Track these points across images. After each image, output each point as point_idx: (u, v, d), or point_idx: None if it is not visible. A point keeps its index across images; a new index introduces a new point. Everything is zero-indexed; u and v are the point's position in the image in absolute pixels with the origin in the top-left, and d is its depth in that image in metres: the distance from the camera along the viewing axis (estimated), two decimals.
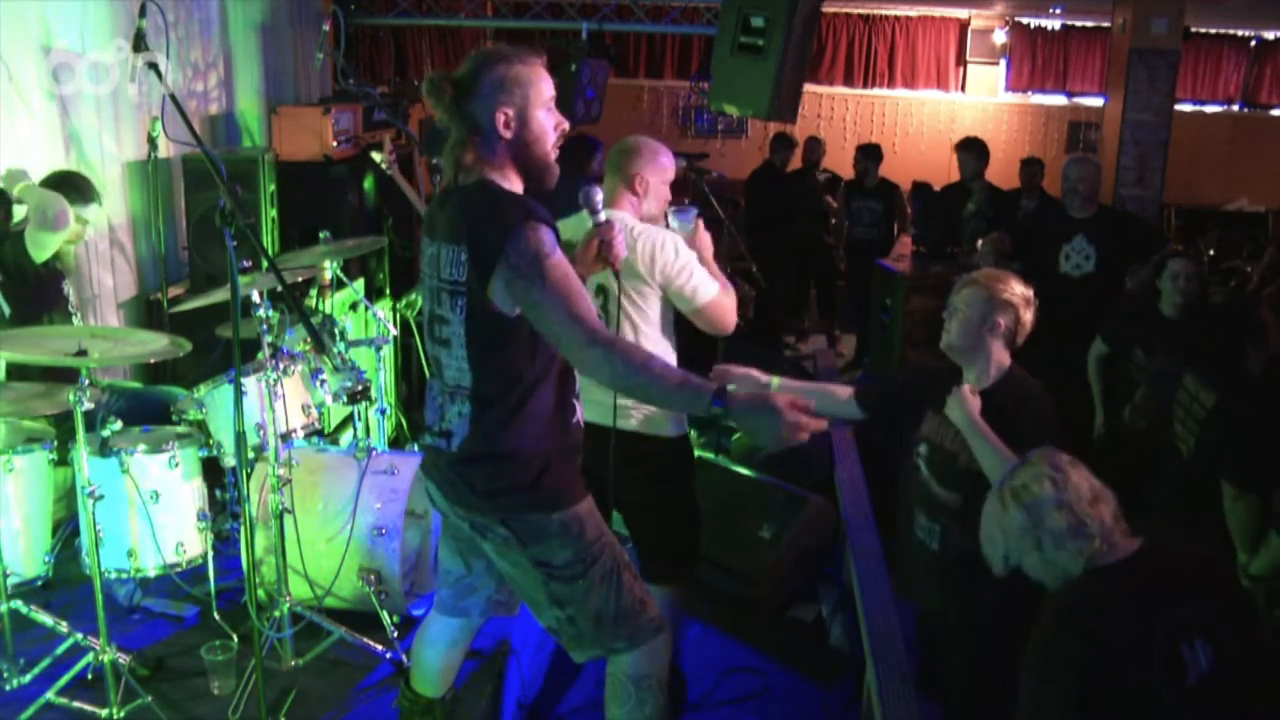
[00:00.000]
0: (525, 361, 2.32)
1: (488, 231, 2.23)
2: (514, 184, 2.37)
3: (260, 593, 3.26)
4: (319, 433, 3.81)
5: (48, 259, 3.64)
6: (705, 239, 3.13)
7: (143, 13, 3.17)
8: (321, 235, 3.94)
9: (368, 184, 5.58)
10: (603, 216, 2.60)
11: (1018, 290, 2.82)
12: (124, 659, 3.10)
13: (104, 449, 3.20)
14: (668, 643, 2.54)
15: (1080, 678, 1.98)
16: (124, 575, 3.28)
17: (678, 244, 3.02)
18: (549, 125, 2.36)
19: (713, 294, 3.03)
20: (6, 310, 3.58)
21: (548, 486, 2.36)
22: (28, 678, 3.10)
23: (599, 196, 2.58)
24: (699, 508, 3.29)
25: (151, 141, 4.45)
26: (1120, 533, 2.10)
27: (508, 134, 2.31)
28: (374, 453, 3.61)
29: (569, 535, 2.37)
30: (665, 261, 2.99)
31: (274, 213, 4.85)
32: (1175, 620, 2.02)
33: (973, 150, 6.70)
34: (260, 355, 3.30)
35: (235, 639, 3.29)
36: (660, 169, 3.14)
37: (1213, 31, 10.99)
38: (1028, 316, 2.84)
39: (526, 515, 2.37)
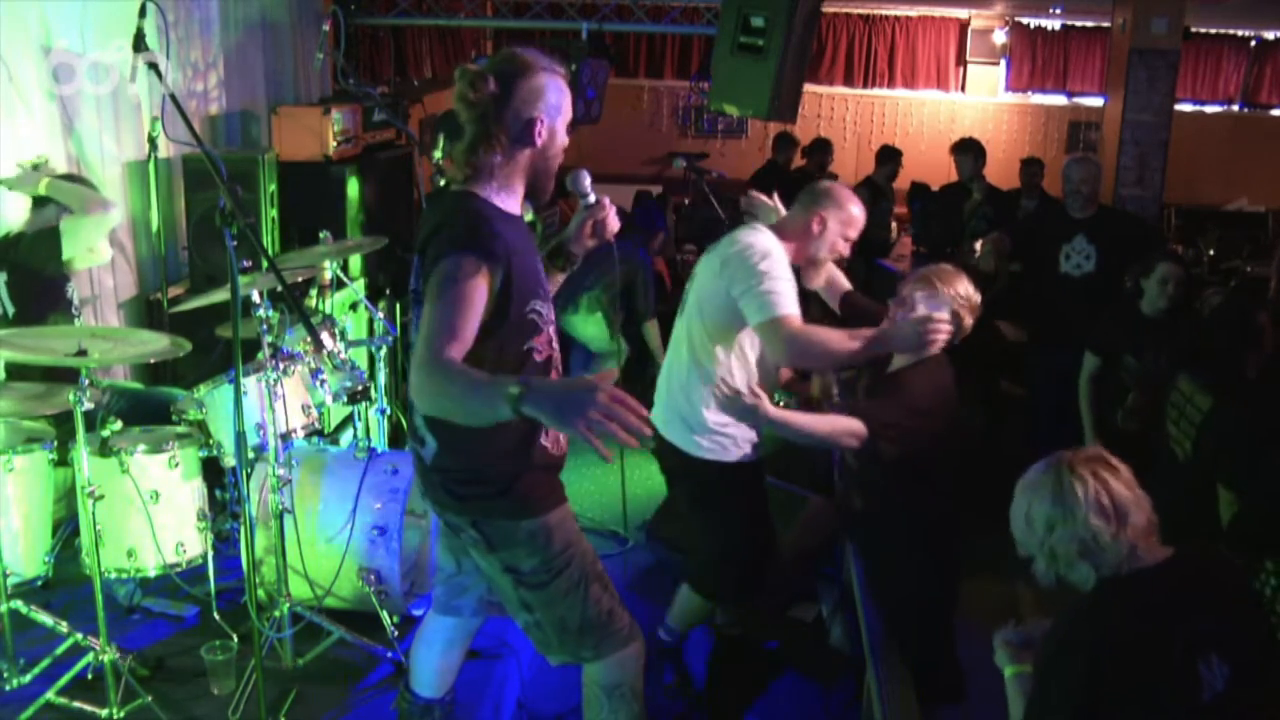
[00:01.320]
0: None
1: (435, 249, 2.22)
2: (514, 193, 2.37)
3: (260, 593, 3.27)
4: (319, 433, 3.81)
5: (69, 258, 3.65)
6: (929, 335, 2.91)
7: (143, 13, 3.17)
8: (321, 235, 3.94)
9: (368, 184, 5.58)
10: (592, 198, 2.61)
11: (963, 293, 2.94)
12: (124, 659, 3.10)
13: (104, 449, 3.20)
14: (640, 653, 2.54)
15: (1086, 676, 1.98)
16: (124, 575, 3.28)
17: (772, 259, 2.93)
18: (564, 143, 2.40)
19: (783, 311, 2.86)
20: (10, 310, 3.58)
21: (517, 494, 2.36)
22: (28, 678, 3.10)
23: (587, 180, 2.60)
24: (750, 547, 3.21)
25: (151, 141, 4.45)
26: (1147, 544, 2.06)
27: (539, 141, 2.33)
28: (374, 453, 3.62)
29: (535, 544, 2.37)
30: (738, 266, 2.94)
31: (274, 213, 4.85)
32: (1195, 634, 2.00)
33: (969, 151, 6.70)
34: (260, 355, 3.30)
35: (235, 639, 3.29)
36: (844, 220, 3.09)
37: (1213, 31, 10.98)
38: (968, 322, 2.97)
39: (495, 520, 2.38)
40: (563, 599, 2.40)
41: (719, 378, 2.97)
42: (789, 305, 2.88)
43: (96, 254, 3.82)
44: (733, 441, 3.10)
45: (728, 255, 2.99)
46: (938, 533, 2.98)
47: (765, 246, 2.97)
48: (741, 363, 3.07)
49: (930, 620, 3.03)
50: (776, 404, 3.04)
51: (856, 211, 3.11)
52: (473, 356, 2.18)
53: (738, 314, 2.95)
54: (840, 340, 2.91)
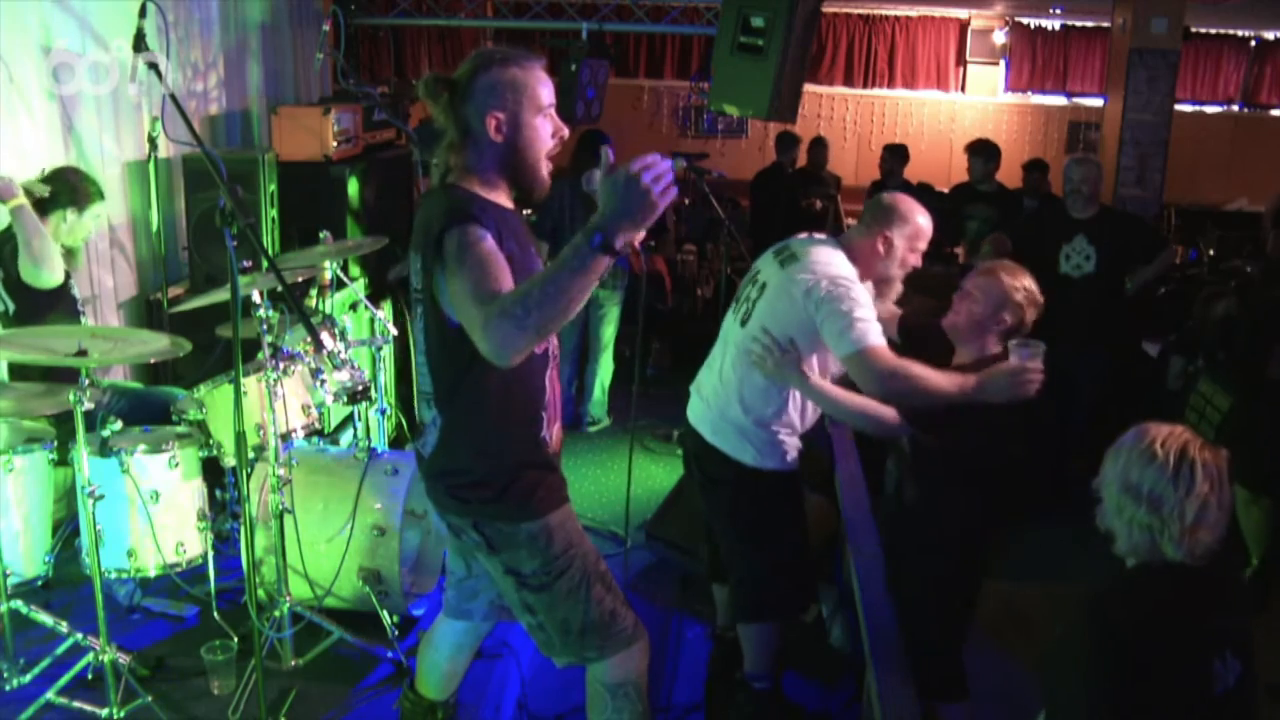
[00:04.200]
0: (476, 373, 2.27)
1: (431, 235, 2.21)
2: (499, 191, 2.35)
3: (260, 593, 3.26)
4: (319, 433, 3.81)
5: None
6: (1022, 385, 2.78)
7: (143, 13, 3.17)
8: (321, 235, 3.94)
9: (368, 184, 5.58)
10: None
11: (1030, 288, 2.94)
12: (124, 659, 3.10)
13: (104, 449, 3.20)
14: (644, 652, 2.53)
15: (1112, 657, 2.00)
16: (124, 575, 3.28)
17: (857, 285, 2.87)
18: (543, 132, 2.32)
19: (872, 341, 2.76)
20: (10, 306, 3.57)
21: (516, 497, 2.35)
22: (28, 678, 3.10)
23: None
24: (798, 554, 3.15)
25: (151, 141, 4.45)
26: (1207, 542, 2.05)
27: (499, 138, 2.29)
28: (374, 453, 3.62)
29: (535, 546, 2.37)
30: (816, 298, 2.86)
31: (274, 213, 4.85)
32: (1215, 630, 2.02)
33: (980, 154, 6.70)
34: (260, 355, 3.30)
35: (235, 639, 3.29)
36: (910, 235, 3.02)
37: (1213, 31, 10.99)
38: (1030, 317, 2.96)
39: (495, 522, 2.37)
40: (564, 601, 2.40)
41: (779, 388, 2.97)
42: (878, 336, 2.80)
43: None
44: (785, 449, 3.06)
45: (811, 283, 2.86)
46: (977, 534, 2.97)
47: (848, 273, 2.90)
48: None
49: (948, 620, 3.02)
50: None
51: (923, 221, 3.04)
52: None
53: (816, 337, 2.88)
54: (938, 381, 2.76)
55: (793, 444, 3.10)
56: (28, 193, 3.53)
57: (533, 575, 2.38)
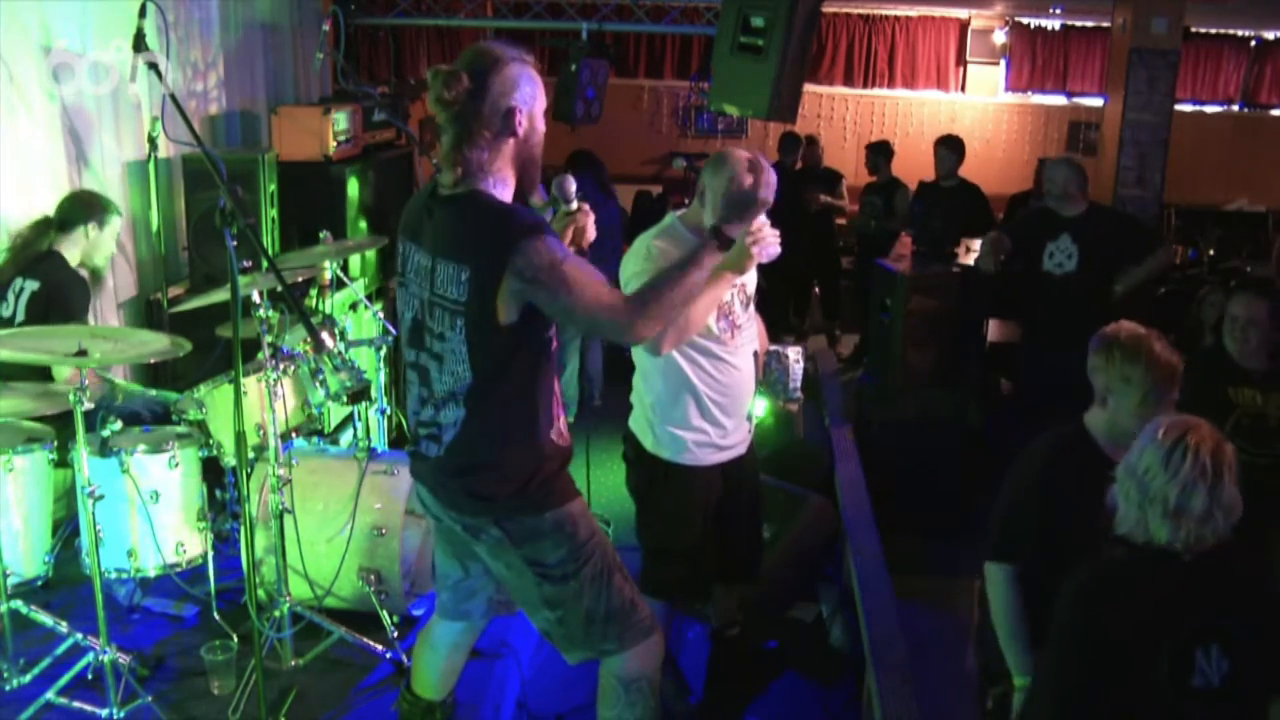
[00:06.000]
0: (522, 374, 2.34)
1: (494, 250, 2.22)
2: (508, 188, 2.37)
3: (260, 593, 3.26)
4: (319, 433, 3.81)
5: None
6: (757, 246, 2.84)
7: (143, 13, 3.17)
8: (321, 235, 3.94)
9: (368, 183, 5.58)
10: (575, 204, 2.60)
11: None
12: (124, 659, 3.10)
13: (104, 449, 3.20)
14: (660, 645, 2.54)
15: (1096, 642, 2.03)
16: (124, 575, 3.28)
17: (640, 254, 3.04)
18: (543, 132, 2.40)
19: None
20: (21, 319, 3.57)
21: (539, 487, 2.37)
22: (28, 678, 3.10)
23: (572, 186, 2.60)
24: (666, 547, 3.20)
25: (151, 141, 4.45)
26: (1189, 534, 2.06)
27: (519, 134, 2.33)
28: (374, 453, 3.62)
29: (562, 534, 2.38)
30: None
31: (274, 213, 4.85)
32: (1202, 625, 2.03)
33: (945, 145, 6.84)
34: (260, 355, 3.30)
35: (235, 639, 3.29)
36: (719, 184, 2.98)
37: (1213, 31, 10.98)
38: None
39: (519, 516, 2.38)
40: (589, 588, 2.41)
41: (663, 371, 3.05)
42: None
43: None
44: (681, 445, 3.11)
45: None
46: None
47: (655, 237, 3.06)
48: (687, 360, 3.06)
49: None
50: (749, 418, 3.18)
51: (729, 173, 2.96)
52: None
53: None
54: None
55: (695, 442, 3.12)
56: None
57: (558, 565, 2.39)
